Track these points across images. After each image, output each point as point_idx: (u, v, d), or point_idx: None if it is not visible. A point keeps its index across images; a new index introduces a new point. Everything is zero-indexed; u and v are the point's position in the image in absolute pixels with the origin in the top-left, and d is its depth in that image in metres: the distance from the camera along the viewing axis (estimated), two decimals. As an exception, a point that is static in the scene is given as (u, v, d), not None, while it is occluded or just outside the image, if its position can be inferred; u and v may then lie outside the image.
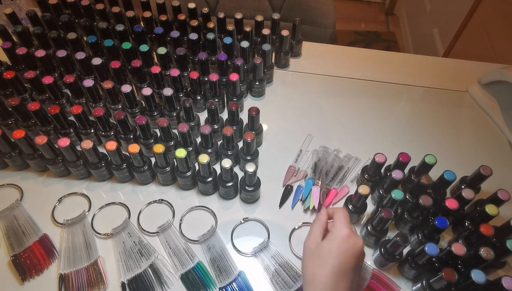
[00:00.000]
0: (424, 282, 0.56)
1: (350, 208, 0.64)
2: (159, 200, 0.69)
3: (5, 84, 0.74)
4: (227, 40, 0.80)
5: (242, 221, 0.67)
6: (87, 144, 0.62)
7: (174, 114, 0.74)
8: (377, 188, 0.68)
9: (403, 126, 0.85)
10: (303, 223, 0.67)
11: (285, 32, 0.86)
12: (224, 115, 0.82)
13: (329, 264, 0.46)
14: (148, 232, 0.65)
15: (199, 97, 0.78)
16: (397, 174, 0.62)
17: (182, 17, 0.84)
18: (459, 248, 0.53)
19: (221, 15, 0.86)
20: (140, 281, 0.58)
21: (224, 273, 0.60)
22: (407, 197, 0.65)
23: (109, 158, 0.66)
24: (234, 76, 0.74)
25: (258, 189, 0.66)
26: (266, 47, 0.82)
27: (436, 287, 0.54)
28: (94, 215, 0.66)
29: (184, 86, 0.78)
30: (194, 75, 0.73)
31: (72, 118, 0.69)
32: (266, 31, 0.86)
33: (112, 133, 0.70)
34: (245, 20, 0.88)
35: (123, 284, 0.58)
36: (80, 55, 0.73)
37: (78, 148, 0.67)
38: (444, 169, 0.63)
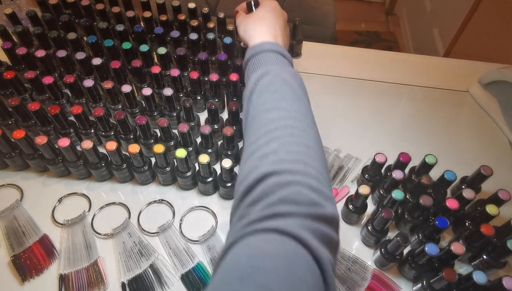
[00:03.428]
0: (424, 282, 0.56)
1: (351, 208, 0.64)
2: (159, 200, 0.69)
3: (5, 84, 0.74)
4: (227, 40, 0.79)
5: (242, 221, 0.66)
6: (87, 144, 0.62)
7: (174, 114, 0.74)
8: (378, 188, 0.68)
9: (403, 126, 0.85)
10: (303, 223, 0.67)
11: (285, 32, 0.86)
12: (224, 115, 0.82)
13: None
14: (148, 232, 0.64)
15: (199, 97, 0.78)
16: (397, 174, 0.62)
17: (182, 17, 0.84)
18: (458, 248, 0.53)
19: (221, 15, 0.86)
20: (140, 281, 0.58)
21: (224, 273, 0.60)
22: (407, 197, 0.65)
23: (109, 158, 0.66)
24: (234, 76, 0.74)
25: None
26: None
27: (436, 287, 0.54)
28: (94, 215, 0.66)
29: (184, 86, 0.78)
30: (194, 75, 0.73)
31: (72, 118, 0.69)
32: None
33: (112, 133, 0.70)
34: (245, 20, 0.88)
35: (123, 284, 0.58)
36: (80, 55, 0.73)
37: (78, 148, 0.67)
38: (444, 169, 0.63)
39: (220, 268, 0.30)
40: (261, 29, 0.55)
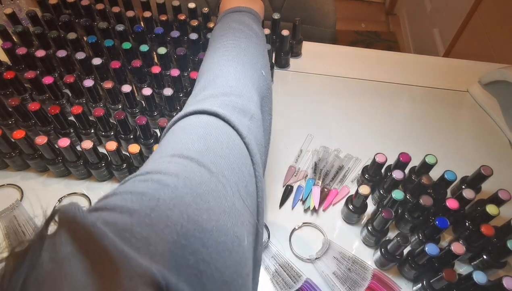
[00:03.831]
0: (424, 282, 0.56)
1: (351, 208, 0.64)
2: (159, 200, 0.68)
3: (5, 84, 0.74)
4: (227, 40, 0.79)
5: (242, 221, 0.66)
6: (87, 144, 0.62)
7: (174, 114, 0.74)
8: (378, 188, 0.68)
9: (403, 126, 0.85)
10: (303, 223, 0.67)
11: (285, 32, 0.86)
12: (224, 115, 0.82)
13: None
14: (148, 232, 0.64)
15: (199, 97, 0.78)
16: (397, 174, 0.62)
17: (182, 17, 0.84)
18: (458, 248, 0.53)
19: (221, 15, 0.86)
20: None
21: (224, 273, 0.60)
22: (407, 197, 0.65)
23: (109, 158, 0.66)
24: (234, 76, 0.74)
25: None
26: (266, 47, 0.82)
27: (436, 287, 0.54)
28: (94, 215, 0.66)
29: (184, 86, 0.78)
30: (194, 75, 0.73)
31: (72, 118, 0.69)
32: (266, 31, 0.85)
33: (112, 133, 0.70)
34: (245, 20, 0.88)
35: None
36: (80, 55, 0.73)
37: (78, 148, 0.67)
38: (444, 169, 0.63)
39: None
40: (224, 6, 0.63)
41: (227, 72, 0.44)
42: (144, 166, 0.32)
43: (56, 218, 0.24)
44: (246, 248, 0.29)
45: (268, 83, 0.49)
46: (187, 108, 0.38)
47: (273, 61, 0.91)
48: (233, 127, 0.36)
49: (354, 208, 0.64)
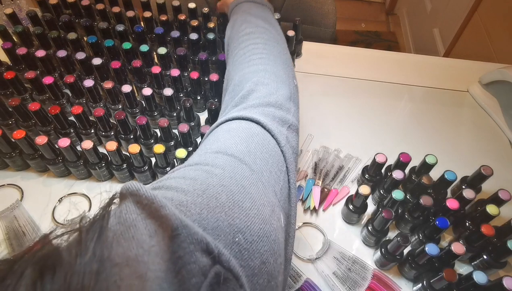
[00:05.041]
0: (424, 282, 0.56)
1: (351, 208, 0.64)
2: (159, 200, 0.68)
3: (5, 84, 0.74)
4: (227, 40, 0.79)
5: (243, 221, 0.66)
6: (87, 144, 0.62)
7: (175, 114, 0.74)
8: (378, 188, 0.68)
9: (403, 126, 0.85)
10: (303, 223, 0.67)
11: (290, 33, 0.86)
12: (225, 115, 0.82)
13: None
14: (148, 232, 0.64)
15: (199, 97, 0.78)
16: (397, 174, 0.62)
17: (182, 17, 0.84)
18: (458, 248, 0.53)
19: (221, 15, 0.86)
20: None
21: (225, 273, 0.59)
22: (407, 197, 0.65)
23: (109, 158, 0.66)
24: (234, 76, 0.74)
25: None
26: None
27: (436, 287, 0.54)
28: (94, 215, 0.66)
29: (184, 86, 0.78)
30: (194, 75, 0.73)
31: (72, 118, 0.69)
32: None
33: (112, 133, 0.70)
34: (245, 20, 0.88)
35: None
36: (80, 55, 0.73)
37: (78, 148, 0.67)
38: (444, 169, 0.63)
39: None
40: None
41: (267, 84, 0.47)
42: (191, 159, 0.36)
43: (118, 195, 0.27)
44: (280, 240, 0.32)
45: (297, 91, 0.52)
46: (231, 114, 0.42)
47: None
48: (272, 135, 0.40)
49: (354, 208, 0.64)
